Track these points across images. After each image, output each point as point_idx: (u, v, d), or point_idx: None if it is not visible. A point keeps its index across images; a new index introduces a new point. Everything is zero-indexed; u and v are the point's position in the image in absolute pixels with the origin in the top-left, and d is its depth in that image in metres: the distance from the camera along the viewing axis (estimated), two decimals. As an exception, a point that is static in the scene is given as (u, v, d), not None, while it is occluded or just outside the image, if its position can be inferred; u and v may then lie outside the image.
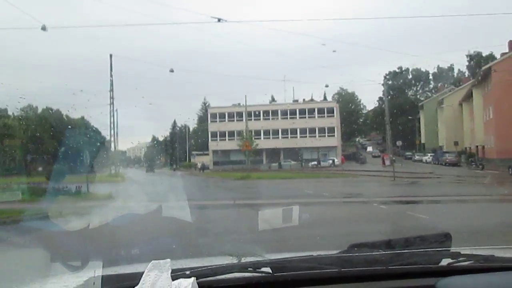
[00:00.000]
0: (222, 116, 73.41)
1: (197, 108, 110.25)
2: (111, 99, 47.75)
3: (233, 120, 72.84)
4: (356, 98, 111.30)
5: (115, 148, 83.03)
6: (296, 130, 71.19)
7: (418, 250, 2.23)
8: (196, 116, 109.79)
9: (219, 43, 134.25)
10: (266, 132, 71.36)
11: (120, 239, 8.26)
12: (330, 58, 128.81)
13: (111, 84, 47.85)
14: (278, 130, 71.71)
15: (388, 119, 63.26)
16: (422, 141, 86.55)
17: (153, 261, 1.67)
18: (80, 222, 9.54)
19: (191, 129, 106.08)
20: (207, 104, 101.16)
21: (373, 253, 2.17)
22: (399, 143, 71.27)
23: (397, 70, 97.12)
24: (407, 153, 77.29)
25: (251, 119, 69.91)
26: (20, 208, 14.23)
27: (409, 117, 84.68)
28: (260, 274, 1.91)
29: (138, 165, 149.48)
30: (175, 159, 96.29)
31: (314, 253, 2.26)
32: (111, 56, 48.26)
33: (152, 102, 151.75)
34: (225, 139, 73.06)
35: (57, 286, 1.99)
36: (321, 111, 71.45)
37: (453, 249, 2.26)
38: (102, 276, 1.89)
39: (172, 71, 43.63)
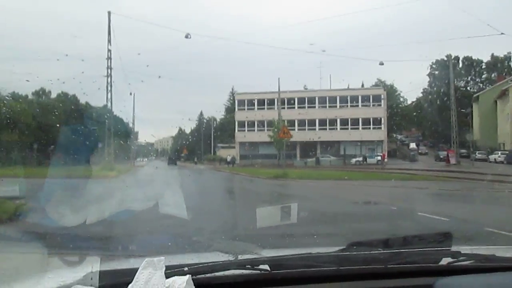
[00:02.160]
0: (250, 103, 62.08)
1: (225, 98, 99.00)
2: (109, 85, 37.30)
3: (263, 108, 61.57)
4: (395, 91, 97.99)
5: (133, 139, 73.22)
6: (335, 120, 59.47)
7: (417, 249, 2.13)
8: (223, 107, 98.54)
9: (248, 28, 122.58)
10: (301, 123, 59.84)
11: (117, 234, 8.06)
12: (368, 45, 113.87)
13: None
14: (315, 121, 60.10)
15: (455, 107, 51.11)
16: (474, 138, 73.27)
17: (147, 259, 1.62)
18: (77, 218, 8.14)
19: (217, 121, 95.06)
20: (234, 90, 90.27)
21: (372, 252, 2.08)
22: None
23: (444, 59, 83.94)
24: (462, 151, 64.25)
25: (284, 108, 58.66)
26: (16, 204, 11.53)
27: (462, 110, 71.48)
28: (258, 272, 1.85)
29: (164, 158, 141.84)
30: (198, 152, 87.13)
31: (313, 251, 2.13)
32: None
33: (180, 94, 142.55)
34: (254, 130, 61.81)
35: (55, 281, 1.89)
36: (365, 99, 59.45)
37: (453, 248, 2.16)
38: (100, 272, 1.82)
39: (188, 36, 32.51)
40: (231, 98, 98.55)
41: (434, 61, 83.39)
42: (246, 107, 62.94)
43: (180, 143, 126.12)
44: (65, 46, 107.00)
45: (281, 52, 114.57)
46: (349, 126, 59.66)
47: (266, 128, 60.85)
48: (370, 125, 59.44)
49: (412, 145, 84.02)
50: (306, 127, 60.66)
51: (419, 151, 71.75)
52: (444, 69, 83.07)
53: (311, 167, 47.82)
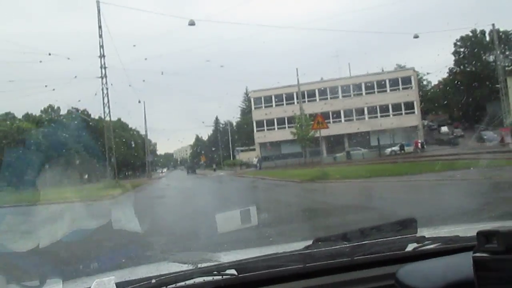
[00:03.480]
0: (268, 100, 55.95)
1: (239, 100, 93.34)
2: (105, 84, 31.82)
3: (282, 104, 55.39)
4: (417, 74, 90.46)
5: (149, 151, 67.84)
6: (362, 109, 53.08)
7: (383, 239, 2.08)
8: (239, 109, 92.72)
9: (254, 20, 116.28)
10: (325, 116, 52.91)
11: (74, 255, 7.79)
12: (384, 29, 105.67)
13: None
14: (340, 112, 53.67)
15: (504, 79, 44.31)
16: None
17: (96, 280, 1.59)
18: (30, 242, 7.99)
19: (234, 124, 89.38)
20: (248, 91, 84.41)
21: (337, 246, 2.04)
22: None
23: (470, 34, 76.45)
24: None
25: (304, 101, 52.31)
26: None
27: (496, 86, 64.07)
28: (225, 277, 1.79)
29: (183, 167, 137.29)
30: (217, 158, 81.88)
31: (279, 251, 2.06)
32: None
33: (193, 101, 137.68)
34: (274, 128, 55.66)
35: None
36: (394, 82, 52.80)
37: (418, 234, 2.13)
38: None
39: (192, 23, 26.46)
40: (246, 99, 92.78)
41: (458, 38, 75.86)
42: (263, 105, 56.84)
43: (199, 150, 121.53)
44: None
45: (293, 47, 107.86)
46: (378, 114, 53.11)
47: (287, 125, 54.77)
48: (401, 110, 52.74)
49: (444, 129, 76.67)
50: (331, 120, 54.19)
51: (454, 134, 64.57)
52: (472, 44, 75.97)
53: (343, 163, 41.45)
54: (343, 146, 54.30)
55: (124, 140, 78.41)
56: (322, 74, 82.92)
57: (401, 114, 52.70)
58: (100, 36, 30.71)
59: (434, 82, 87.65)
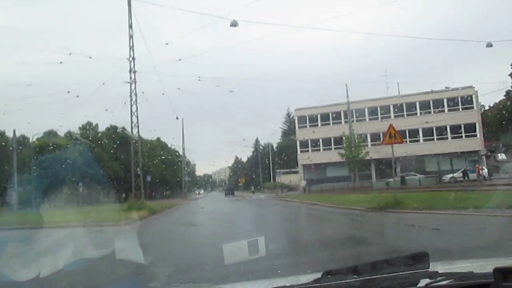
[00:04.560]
0: (313, 119, 51.44)
1: (280, 121, 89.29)
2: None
3: (328, 123, 50.74)
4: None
5: (184, 170, 64.35)
6: (417, 131, 47.35)
7: (394, 274, 2.00)
8: (279, 131, 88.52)
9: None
10: (374, 137, 48.28)
11: (75, 286, 7.47)
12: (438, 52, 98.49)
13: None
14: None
15: None
16: None
17: None
18: (30, 271, 7.53)
19: (274, 146, 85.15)
20: (290, 111, 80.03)
21: (348, 280, 1.97)
22: None
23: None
24: None
25: (353, 121, 47.34)
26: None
27: None
28: None
29: (221, 188, 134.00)
30: (256, 180, 77.69)
31: (287, 284, 2.04)
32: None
33: (232, 122, 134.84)
34: (319, 149, 50.95)
35: None
36: (453, 102, 46.99)
37: (431, 269, 2.03)
38: None
39: (234, 24, 22.30)
40: (288, 121, 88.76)
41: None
42: (308, 124, 52.28)
43: (238, 172, 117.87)
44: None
45: (340, 68, 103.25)
46: (435, 136, 47.47)
47: (333, 146, 49.89)
48: (461, 133, 46.86)
49: (501, 156, 69.61)
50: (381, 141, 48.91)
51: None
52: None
53: (400, 189, 36.02)
54: (395, 170, 48.71)
55: (163, 159, 75.61)
56: (368, 95, 77.76)
57: (461, 137, 46.83)
58: (131, 36, 27.20)
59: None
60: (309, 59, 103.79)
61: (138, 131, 27.74)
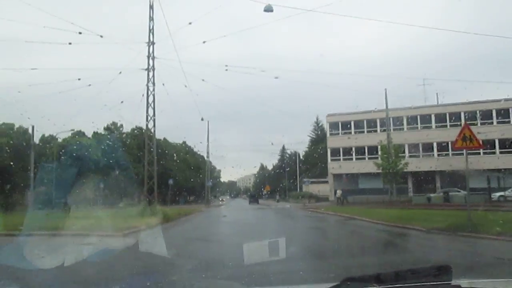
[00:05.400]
0: (346, 126, 47.50)
1: (308, 129, 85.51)
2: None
3: (363, 131, 46.59)
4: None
5: (208, 175, 61.11)
6: (461, 143, 42.40)
7: (415, 284, 1.95)
8: (307, 139, 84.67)
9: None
10: (413, 148, 44.13)
11: (96, 276, 7.01)
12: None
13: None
14: (432, 145, 43.80)
15: None
16: None
17: None
18: (55, 259, 7.74)
19: (301, 154, 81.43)
20: (319, 119, 76.06)
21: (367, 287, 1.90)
22: None
23: None
24: None
25: (390, 130, 43.13)
26: None
27: None
28: None
29: (245, 196, 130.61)
30: (282, 189, 73.97)
31: None
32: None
33: (259, 129, 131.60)
34: (351, 158, 46.83)
35: None
36: (503, 114, 42.14)
37: (453, 283, 2.00)
38: None
39: (269, 9, 18.93)
40: (316, 129, 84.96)
41: None
42: (340, 131, 48.35)
43: (262, 180, 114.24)
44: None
45: (373, 73, 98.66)
46: (481, 150, 42.64)
47: (367, 156, 45.83)
48: (511, 148, 42.08)
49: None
50: (420, 154, 44.67)
51: None
52: None
53: (444, 206, 31.84)
54: (434, 185, 44.31)
55: (187, 163, 72.74)
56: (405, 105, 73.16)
57: (511, 152, 42.03)
58: (151, 19, 23.94)
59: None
60: (341, 65, 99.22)
61: (154, 126, 24.56)
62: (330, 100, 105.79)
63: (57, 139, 54.73)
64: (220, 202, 78.10)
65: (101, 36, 22.26)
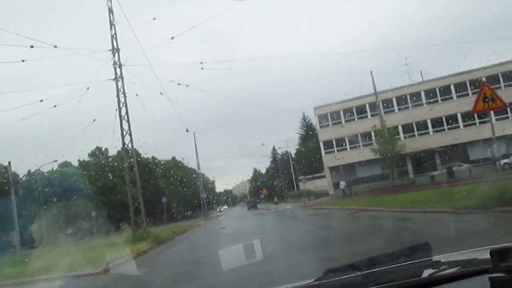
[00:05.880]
0: (335, 116, 45.61)
1: (296, 126, 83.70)
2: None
3: (353, 119, 44.66)
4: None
5: (202, 186, 58.91)
6: (455, 116, 41.14)
7: (397, 265, 1.93)
8: (297, 136, 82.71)
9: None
10: (407, 128, 42.29)
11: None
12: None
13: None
14: (426, 122, 42.15)
15: None
16: None
17: None
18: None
19: (293, 153, 79.65)
20: (305, 114, 74.29)
21: (349, 276, 1.91)
22: None
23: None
24: None
25: (381, 113, 41.50)
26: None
27: None
28: None
29: (243, 203, 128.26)
30: (279, 190, 72.07)
31: (289, 285, 2.00)
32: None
33: (244, 134, 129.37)
34: (346, 148, 44.87)
35: None
36: (494, 79, 40.49)
37: (434, 258, 1.98)
38: None
39: None
40: (304, 125, 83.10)
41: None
42: (330, 123, 46.33)
43: (258, 184, 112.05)
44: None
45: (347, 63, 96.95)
46: (477, 121, 41.01)
47: (361, 144, 43.97)
48: (507, 113, 40.42)
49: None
50: (416, 133, 42.81)
51: None
52: None
53: (450, 183, 29.93)
54: (434, 162, 42.49)
55: (179, 179, 70.44)
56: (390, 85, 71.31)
57: (508, 117, 40.41)
58: (112, 24, 21.66)
59: None
60: (322, 54, 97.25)
61: (131, 140, 22.39)
62: (315, 94, 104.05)
63: (42, 172, 52.24)
64: (218, 213, 75.78)
65: (55, 46, 19.80)
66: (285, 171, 73.46)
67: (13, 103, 62.95)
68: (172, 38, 20.77)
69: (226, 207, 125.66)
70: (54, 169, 53.52)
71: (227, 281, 6.78)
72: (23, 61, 21.20)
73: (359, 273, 1.87)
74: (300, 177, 58.68)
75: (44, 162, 46.79)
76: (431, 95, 42.66)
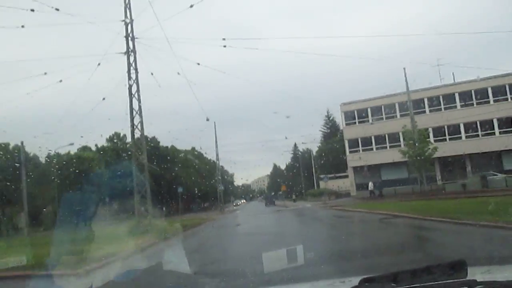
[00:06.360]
0: (362, 114, 43.33)
1: (319, 124, 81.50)
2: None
3: (381, 118, 42.19)
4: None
5: (218, 178, 57.23)
6: (491, 122, 38.33)
7: (431, 283, 1.91)
8: (319, 134, 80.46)
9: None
10: (438, 132, 39.67)
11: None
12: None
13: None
14: (459, 126, 39.40)
15: None
16: None
17: None
18: (83, 282, 7.92)
19: (314, 151, 77.40)
20: (329, 112, 72.10)
21: None
22: None
23: None
24: None
25: (407, 114, 38.95)
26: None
27: None
28: None
29: (261, 198, 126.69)
30: (297, 188, 70.20)
31: None
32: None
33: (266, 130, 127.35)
34: (371, 149, 42.44)
35: None
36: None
37: (469, 277, 1.92)
38: None
39: None
40: (328, 123, 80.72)
41: None
42: (357, 120, 43.93)
43: (277, 180, 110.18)
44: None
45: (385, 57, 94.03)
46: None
47: (388, 145, 41.61)
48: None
49: None
50: (447, 136, 40.18)
51: None
52: None
53: (484, 192, 27.46)
54: (464, 170, 39.81)
55: (197, 169, 69.03)
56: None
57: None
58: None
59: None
60: (349, 52, 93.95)
61: (142, 122, 20.61)
62: (340, 92, 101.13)
63: (61, 155, 51.44)
64: (235, 207, 74.23)
65: (57, 9, 18.07)
66: (306, 168, 71.53)
67: (14, 76, 58.06)
68: (191, 6, 18.82)
69: (244, 201, 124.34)
70: (72, 152, 52.74)
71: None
72: (22, 26, 19.37)
73: (396, 286, 1.82)
74: (322, 176, 56.44)
75: (60, 145, 45.62)
76: (466, 97, 39.93)
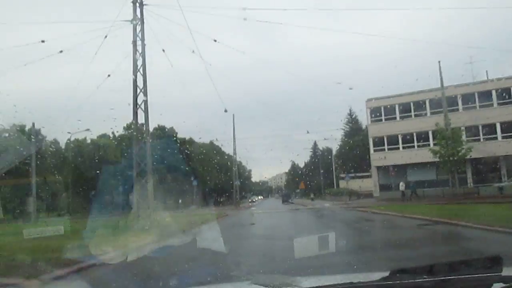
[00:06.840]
0: (390, 111, 40.44)
1: (340, 123, 78.38)
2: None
3: (410, 115, 39.26)
4: None
5: (235, 173, 55.15)
6: (530, 122, 35.22)
7: (466, 276, 1.86)
8: (340, 132, 77.43)
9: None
10: (472, 131, 36.50)
11: (157, 270, 7.18)
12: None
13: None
14: (495, 126, 36.21)
15: None
16: None
17: None
18: (119, 255, 7.84)
19: (334, 150, 74.72)
20: (351, 109, 69.39)
21: (416, 280, 1.83)
22: None
23: None
24: None
25: (437, 112, 36.05)
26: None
27: None
28: None
29: (278, 195, 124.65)
30: (316, 186, 67.84)
31: (355, 280, 1.92)
32: None
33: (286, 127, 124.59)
34: (398, 148, 39.65)
35: None
36: None
37: (504, 273, 1.86)
38: None
39: None
40: (350, 121, 77.71)
41: None
42: (383, 117, 41.11)
43: (295, 178, 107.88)
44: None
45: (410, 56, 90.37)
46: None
47: (416, 144, 38.76)
48: None
49: None
50: (481, 136, 37.11)
51: None
52: None
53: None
54: (499, 173, 36.70)
55: (215, 163, 67.08)
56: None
57: None
58: None
59: None
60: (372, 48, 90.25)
61: (147, 101, 18.19)
62: (365, 88, 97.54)
63: (78, 140, 50.35)
64: (250, 203, 72.12)
65: None
66: (325, 167, 69.07)
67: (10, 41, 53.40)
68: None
69: (261, 197, 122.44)
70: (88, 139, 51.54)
71: None
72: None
73: (427, 278, 1.79)
74: (343, 175, 53.76)
75: (77, 130, 43.97)
76: (504, 95, 36.71)
